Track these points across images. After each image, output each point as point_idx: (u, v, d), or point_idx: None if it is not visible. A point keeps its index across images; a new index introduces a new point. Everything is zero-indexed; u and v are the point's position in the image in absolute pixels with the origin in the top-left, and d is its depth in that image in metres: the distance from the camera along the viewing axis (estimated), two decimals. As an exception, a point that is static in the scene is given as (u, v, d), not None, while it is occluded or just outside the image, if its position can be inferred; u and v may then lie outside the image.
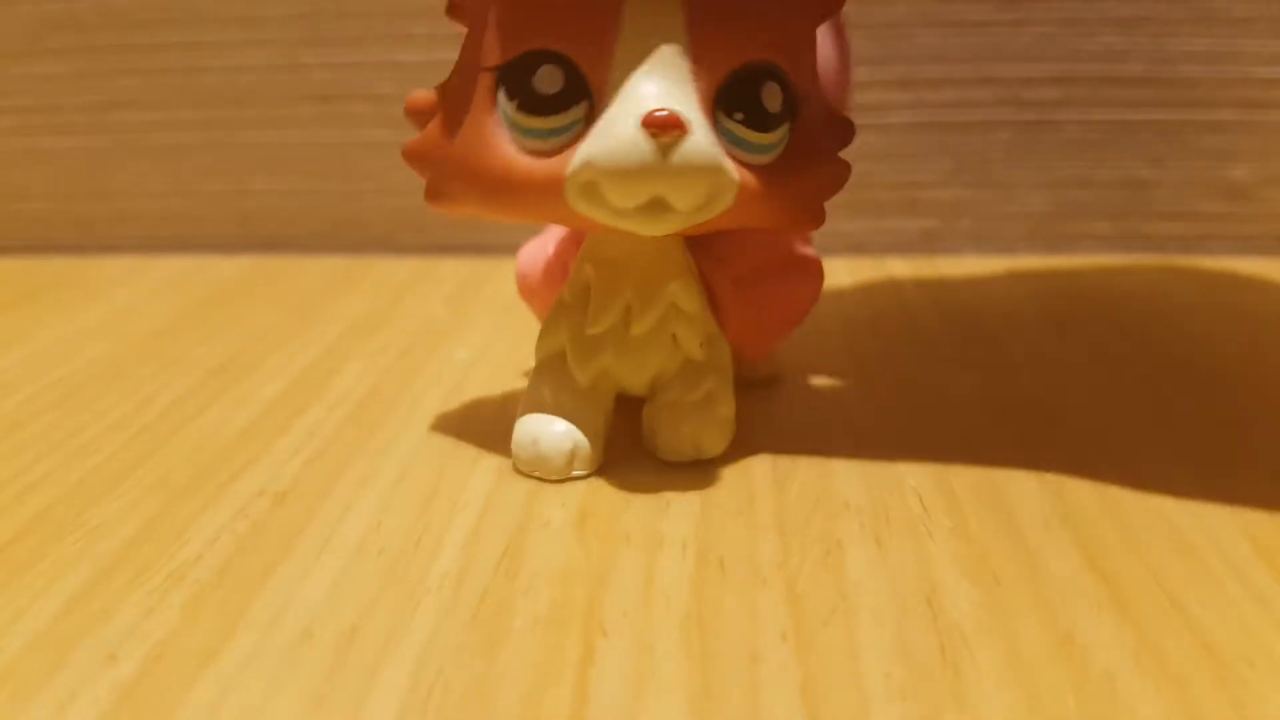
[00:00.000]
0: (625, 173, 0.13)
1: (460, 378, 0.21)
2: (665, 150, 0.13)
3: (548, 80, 0.14)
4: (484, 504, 0.15)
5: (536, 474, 0.16)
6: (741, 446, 0.17)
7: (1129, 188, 0.30)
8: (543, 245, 0.19)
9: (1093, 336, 0.23)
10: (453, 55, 0.15)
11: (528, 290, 0.19)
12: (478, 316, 0.25)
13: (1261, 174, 0.29)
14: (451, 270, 0.29)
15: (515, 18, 0.14)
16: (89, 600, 0.13)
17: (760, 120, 0.14)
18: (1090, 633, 0.12)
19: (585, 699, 0.11)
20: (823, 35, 0.16)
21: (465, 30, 0.15)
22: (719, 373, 0.16)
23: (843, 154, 0.16)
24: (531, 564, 0.14)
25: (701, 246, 0.17)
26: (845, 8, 0.16)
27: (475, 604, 0.13)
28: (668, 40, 0.14)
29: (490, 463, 0.17)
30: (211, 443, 0.18)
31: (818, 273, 0.19)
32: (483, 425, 0.18)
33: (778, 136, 0.15)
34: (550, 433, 0.16)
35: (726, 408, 0.16)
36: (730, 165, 0.14)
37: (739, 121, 0.14)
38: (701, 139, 0.13)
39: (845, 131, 0.16)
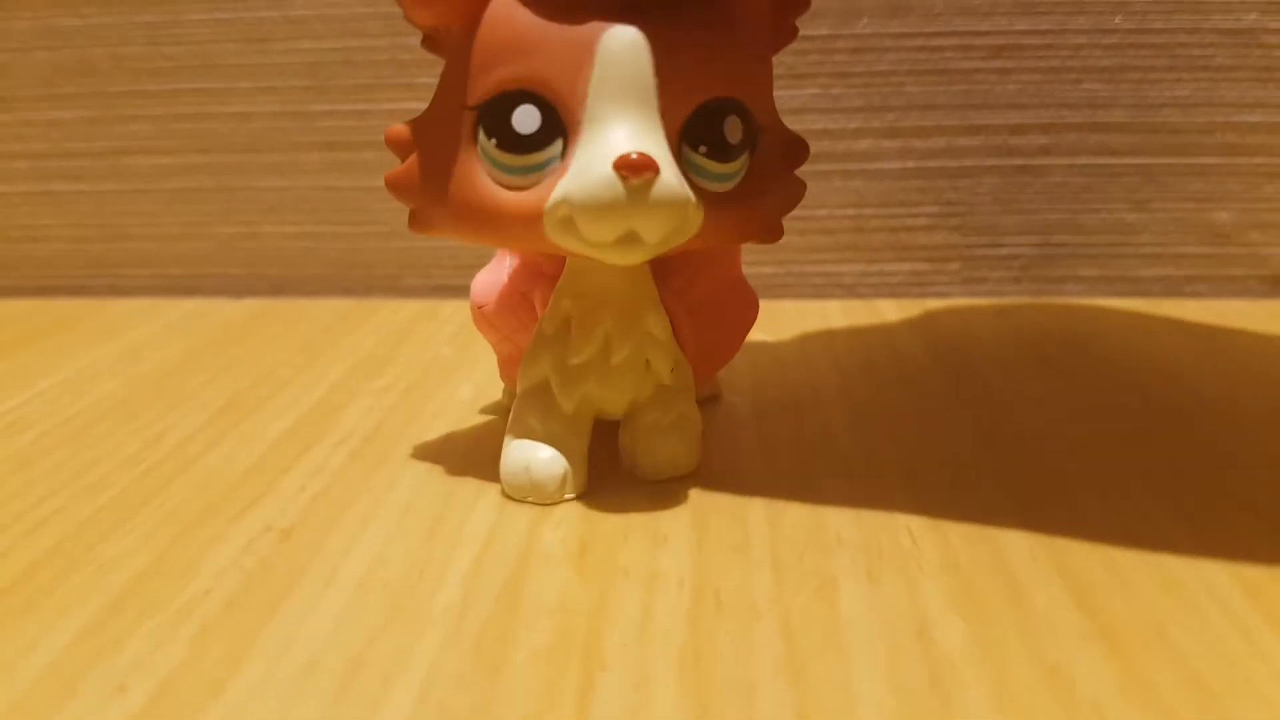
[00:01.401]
0: (600, 210, 0.14)
1: (462, 415, 0.21)
2: (637, 190, 0.14)
3: (525, 120, 0.15)
4: (485, 538, 0.16)
5: (530, 499, 0.17)
6: (737, 483, 0.18)
7: (1114, 232, 0.30)
8: (497, 276, 0.19)
9: (1079, 377, 0.23)
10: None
11: (483, 320, 0.19)
12: (480, 356, 0.25)
13: (1244, 218, 0.30)
14: (454, 311, 0.30)
15: (493, 57, 0.15)
16: (99, 632, 0.13)
17: (723, 152, 0.15)
18: (1078, 665, 0.12)
19: (584, 729, 0.11)
20: None
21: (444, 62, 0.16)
22: (687, 394, 0.18)
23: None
24: (532, 597, 0.14)
25: (659, 278, 0.18)
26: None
27: (477, 636, 0.13)
28: (637, 80, 0.14)
29: (491, 498, 0.17)
30: (219, 479, 0.18)
31: (754, 301, 0.20)
32: (484, 462, 0.18)
33: (739, 166, 0.16)
34: (541, 459, 0.17)
35: (697, 425, 0.18)
36: (694, 198, 0.15)
37: (703, 154, 0.15)
38: (670, 177, 0.14)
39: (800, 151, 0.17)
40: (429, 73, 0.30)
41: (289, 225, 0.32)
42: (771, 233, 0.17)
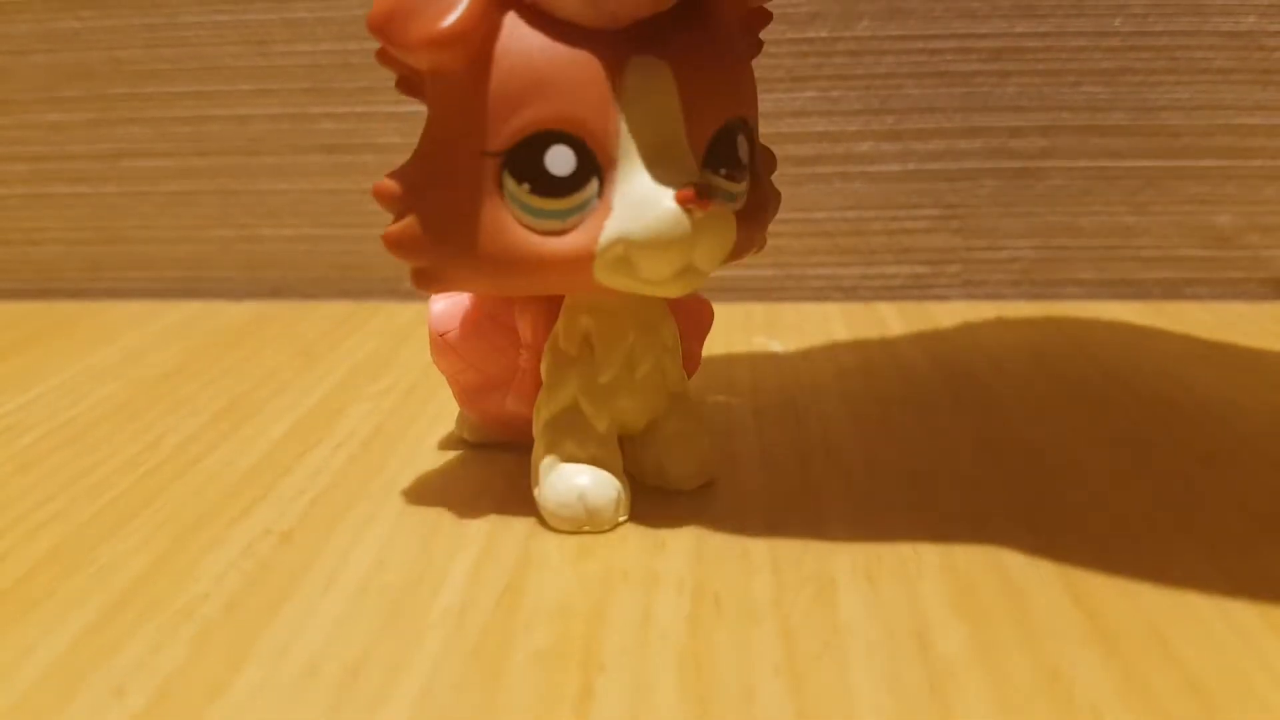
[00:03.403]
0: (665, 246, 0.14)
1: (462, 419, 0.21)
2: (701, 223, 0.14)
3: (560, 161, 0.14)
4: (484, 542, 0.16)
5: (586, 529, 0.16)
6: (736, 487, 0.18)
7: (1114, 234, 0.30)
8: (456, 303, 0.18)
9: (1078, 381, 0.23)
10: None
11: (446, 349, 0.18)
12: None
13: (1244, 220, 0.30)
14: (453, 314, 0.30)
15: (514, 98, 0.14)
16: (98, 635, 0.13)
17: (739, 171, 0.15)
18: (1077, 668, 0.12)
19: (583, 732, 0.11)
20: None
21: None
22: (694, 398, 0.18)
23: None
24: (531, 601, 0.14)
25: None
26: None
27: (476, 640, 0.13)
28: (665, 109, 0.14)
29: (491, 501, 0.17)
30: (219, 482, 0.18)
31: (709, 308, 0.19)
32: (483, 465, 0.19)
33: (747, 183, 0.16)
34: (594, 485, 0.16)
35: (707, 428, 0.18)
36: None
37: (724, 176, 0.15)
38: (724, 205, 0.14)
39: (771, 159, 0.17)
40: (429, 75, 0.30)
41: (288, 228, 0.32)
42: (759, 244, 0.17)
